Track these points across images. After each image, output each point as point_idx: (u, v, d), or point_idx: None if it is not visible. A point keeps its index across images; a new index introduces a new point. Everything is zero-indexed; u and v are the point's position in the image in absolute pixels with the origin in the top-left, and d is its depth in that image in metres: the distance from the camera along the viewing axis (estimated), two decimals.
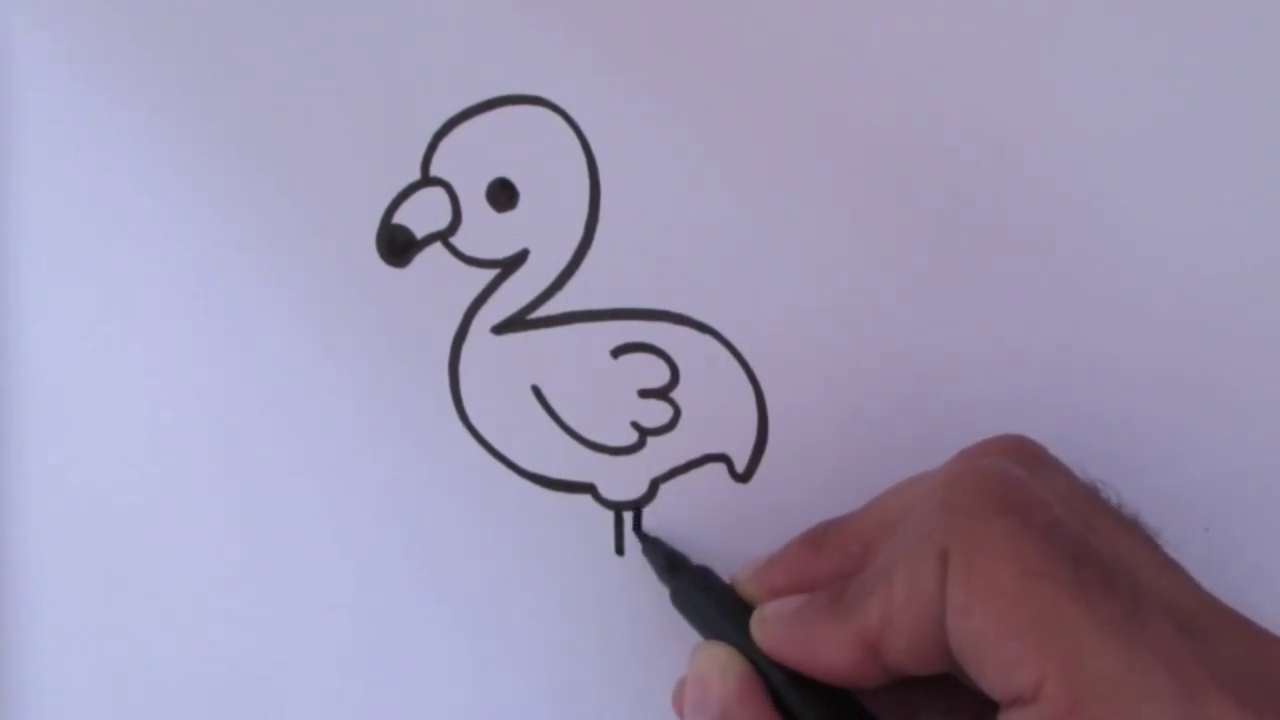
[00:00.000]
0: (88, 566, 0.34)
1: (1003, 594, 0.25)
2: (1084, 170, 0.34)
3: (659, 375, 0.34)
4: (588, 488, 0.34)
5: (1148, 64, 0.34)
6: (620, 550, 0.34)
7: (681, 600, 0.32)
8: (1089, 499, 0.28)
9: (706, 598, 0.31)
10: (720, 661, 0.29)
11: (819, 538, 0.31)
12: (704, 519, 0.34)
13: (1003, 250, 0.34)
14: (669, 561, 0.32)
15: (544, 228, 0.34)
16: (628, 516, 0.34)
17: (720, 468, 0.34)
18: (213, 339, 0.34)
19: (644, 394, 0.34)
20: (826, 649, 0.28)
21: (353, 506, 0.34)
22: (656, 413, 0.34)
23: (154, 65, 0.34)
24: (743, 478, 0.34)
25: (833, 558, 0.30)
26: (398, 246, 0.34)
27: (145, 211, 0.34)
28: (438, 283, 0.34)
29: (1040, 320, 0.34)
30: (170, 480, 0.34)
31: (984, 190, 0.34)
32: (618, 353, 0.34)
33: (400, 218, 0.34)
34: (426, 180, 0.34)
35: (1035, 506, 0.26)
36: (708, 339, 0.34)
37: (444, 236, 0.34)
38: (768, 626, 0.29)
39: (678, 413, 0.34)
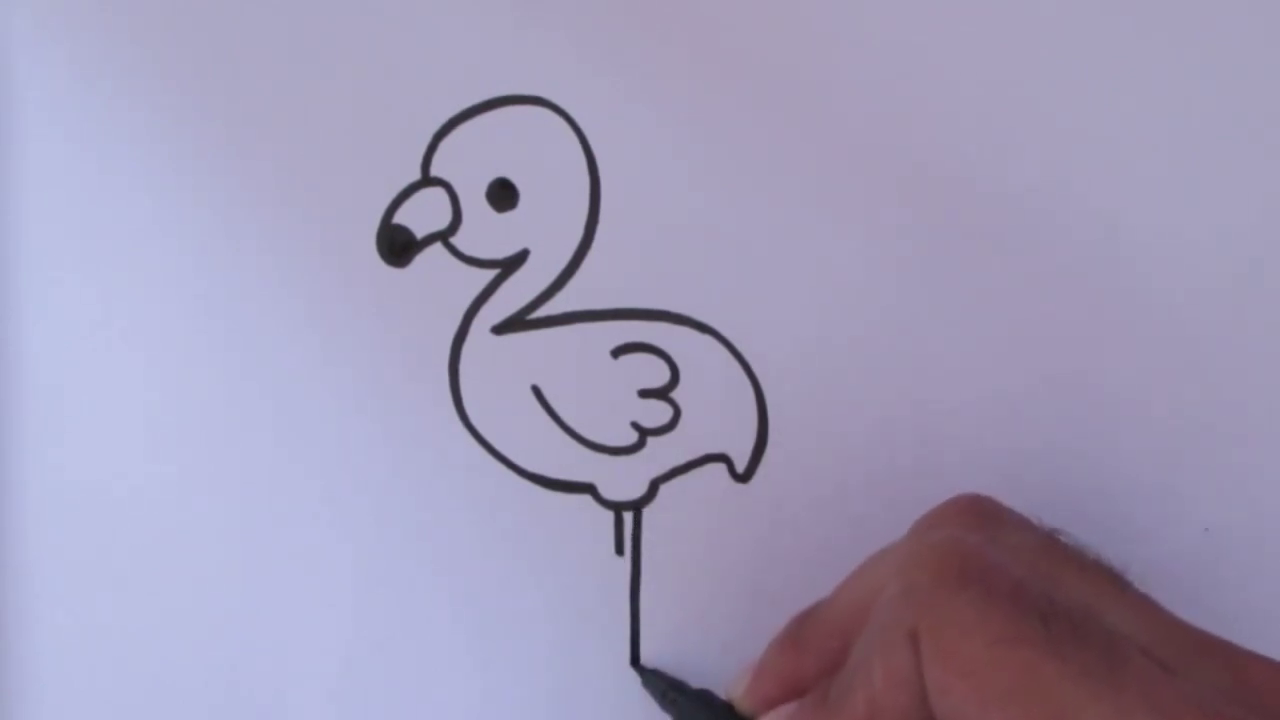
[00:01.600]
0: (87, 566, 0.34)
1: (977, 665, 0.24)
2: (1085, 171, 0.34)
3: (659, 375, 0.34)
4: (588, 488, 0.34)
5: (1150, 66, 0.34)
6: (620, 550, 0.34)
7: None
8: (1049, 550, 0.28)
9: (710, 718, 0.31)
10: None
11: (797, 636, 0.30)
12: (704, 519, 0.34)
13: (1003, 250, 0.34)
14: (669, 689, 0.32)
15: (544, 228, 0.34)
16: (628, 517, 0.34)
17: (720, 468, 0.34)
18: (212, 339, 0.34)
19: (644, 394, 0.34)
20: None
21: (353, 506, 0.34)
22: (656, 413, 0.34)
23: (154, 65, 0.34)
24: (743, 478, 0.34)
25: (814, 657, 0.30)
26: (398, 246, 0.34)
27: (145, 211, 0.34)
28: (438, 283, 0.34)
29: (1040, 320, 0.34)
30: (170, 480, 0.34)
31: (985, 191, 0.34)
32: (618, 353, 0.34)
33: (400, 218, 0.34)
34: (426, 180, 0.34)
35: (996, 572, 0.26)
36: (708, 339, 0.34)
37: (444, 236, 0.34)
38: None
39: (678, 413, 0.34)
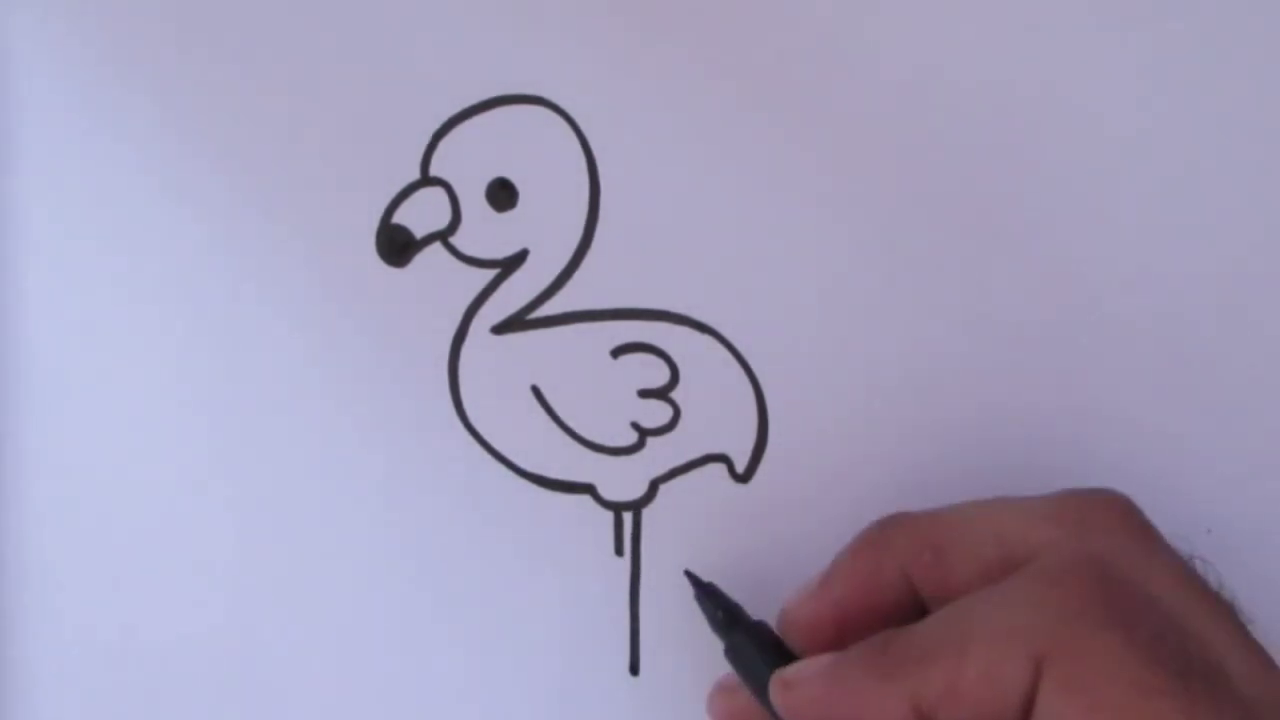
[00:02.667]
0: (87, 566, 0.34)
1: (1110, 709, 0.24)
2: (1086, 170, 0.34)
3: (659, 375, 0.34)
4: (587, 488, 0.34)
5: (1149, 66, 0.34)
6: (620, 551, 0.34)
7: (736, 656, 0.31)
8: (1189, 586, 0.27)
9: (762, 655, 0.30)
10: None
11: (878, 538, 0.29)
12: (704, 519, 0.34)
13: (1004, 251, 0.34)
14: (727, 615, 0.31)
15: (544, 228, 0.34)
16: (627, 517, 0.34)
17: (720, 468, 0.34)
18: (212, 338, 0.34)
19: (644, 394, 0.34)
20: (870, 712, 0.26)
21: (352, 506, 0.34)
22: (656, 413, 0.34)
23: (154, 65, 0.34)
24: (743, 478, 0.34)
25: (899, 555, 0.28)
26: (397, 246, 0.34)
27: (144, 210, 0.34)
28: (437, 283, 0.34)
29: (1041, 321, 0.34)
30: (170, 480, 0.34)
31: (985, 191, 0.34)
32: (617, 353, 0.34)
33: (400, 217, 0.34)
34: (426, 180, 0.34)
35: (1142, 614, 0.25)
36: (708, 339, 0.34)
37: (443, 236, 0.34)
38: (795, 693, 0.27)
39: (678, 413, 0.34)
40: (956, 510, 0.29)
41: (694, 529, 0.34)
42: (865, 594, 0.29)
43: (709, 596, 0.32)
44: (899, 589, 0.28)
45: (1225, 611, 0.26)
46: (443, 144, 0.34)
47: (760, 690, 0.29)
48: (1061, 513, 0.28)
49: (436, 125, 0.34)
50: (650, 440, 0.34)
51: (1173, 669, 0.24)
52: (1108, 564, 0.26)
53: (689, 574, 0.33)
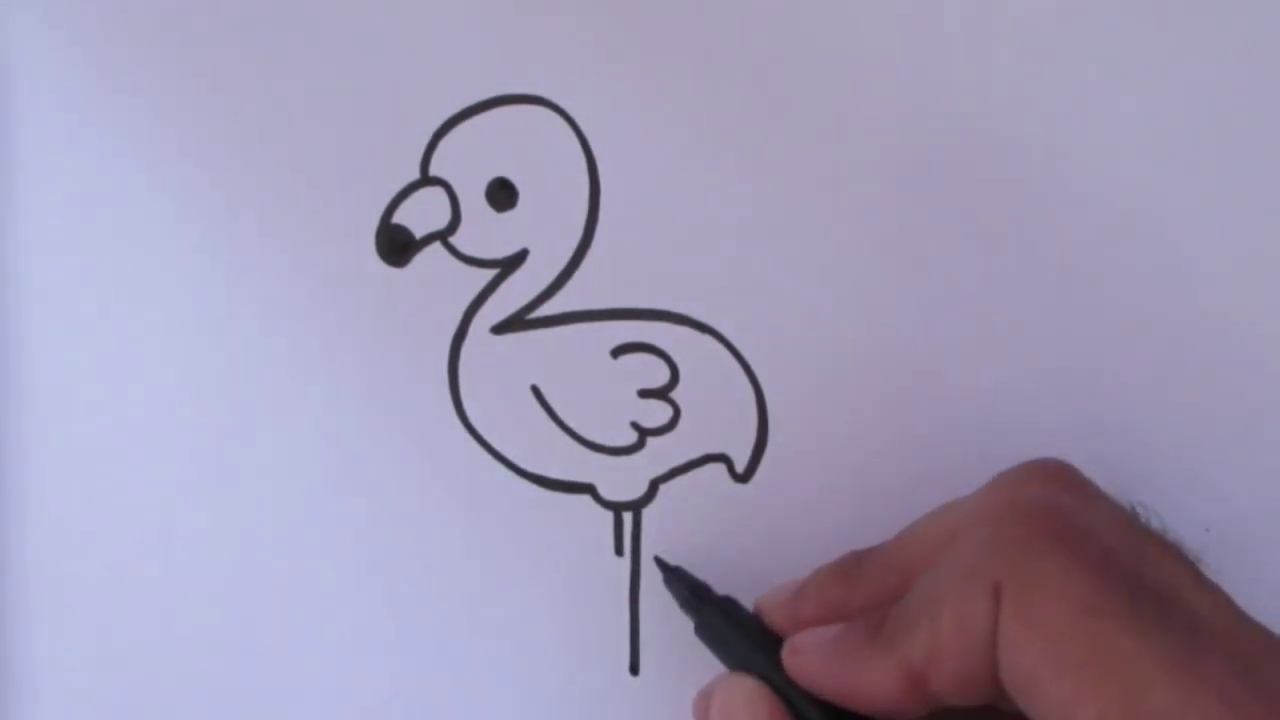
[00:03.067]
0: (87, 567, 0.34)
1: (1059, 630, 0.24)
2: (1086, 171, 0.34)
3: (659, 375, 0.34)
4: (587, 488, 0.34)
5: (1154, 66, 0.34)
6: (620, 551, 0.34)
7: (706, 631, 0.31)
8: (1134, 526, 0.28)
9: (732, 629, 0.31)
10: (747, 695, 0.29)
11: (851, 568, 0.30)
12: (704, 519, 0.34)
13: (1003, 251, 0.34)
14: (692, 592, 0.32)
15: (544, 228, 0.34)
16: (628, 517, 0.34)
17: (720, 468, 0.34)
18: (212, 338, 0.34)
19: (644, 394, 0.34)
20: (868, 680, 0.27)
21: (352, 506, 0.34)
22: (656, 413, 0.34)
23: (154, 65, 0.34)
24: (743, 478, 0.34)
25: (867, 588, 0.29)
26: (397, 246, 0.34)
27: (145, 211, 0.34)
28: (437, 283, 0.34)
29: (1040, 321, 0.34)
30: (169, 480, 0.34)
31: (985, 191, 0.34)
32: (617, 353, 0.34)
33: (399, 217, 0.34)
34: (426, 180, 0.34)
35: (1088, 538, 0.26)
36: (708, 339, 0.34)
37: (443, 236, 0.34)
38: (803, 657, 0.29)
39: (678, 413, 0.34)
40: (914, 526, 0.30)
41: (694, 529, 0.34)
42: (833, 614, 0.30)
43: (676, 578, 0.32)
44: (869, 608, 0.29)
45: (1173, 549, 0.27)
46: (443, 144, 0.34)
47: (730, 659, 0.30)
48: (1000, 481, 0.29)
49: (436, 125, 0.34)
50: (650, 440, 0.34)
51: (1122, 589, 0.25)
52: (1052, 500, 0.27)
53: (657, 560, 0.33)
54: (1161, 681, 0.23)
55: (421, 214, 0.34)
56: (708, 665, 0.32)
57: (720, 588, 0.32)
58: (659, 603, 0.33)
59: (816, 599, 0.30)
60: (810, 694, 0.28)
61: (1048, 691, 0.24)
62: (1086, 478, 0.29)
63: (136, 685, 0.34)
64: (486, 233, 0.34)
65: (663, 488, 0.34)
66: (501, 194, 0.34)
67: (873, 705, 0.27)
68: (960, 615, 0.26)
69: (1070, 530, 0.26)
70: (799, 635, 0.29)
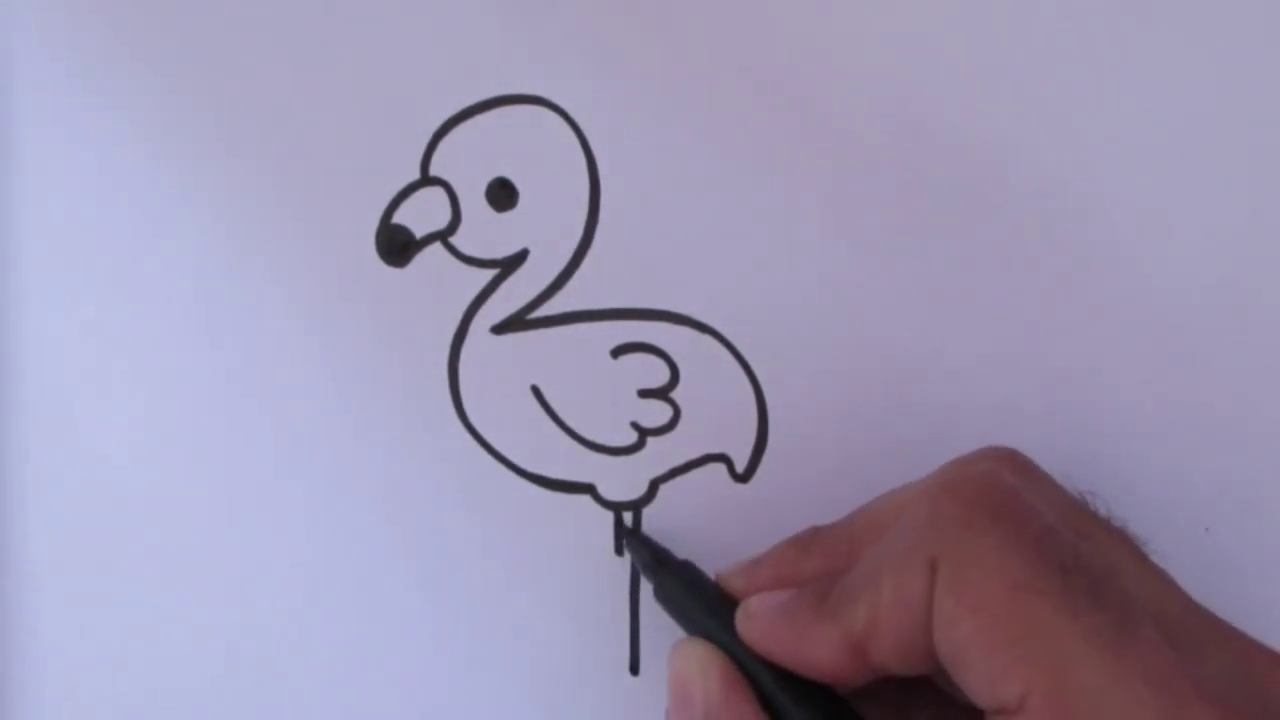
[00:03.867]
0: (87, 566, 0.34)
1: (990, 606, 0.25)
2: (1085, 173, 0.34)
3: (659, 375, 0.34)
4: (587, 488, 0.34)
5: (1148, 69, 0.34)
6: (620, 551, 0.34)
7: (665, 596, 0.32)
8: (1078, 508, 0.28)
9: (690, 593, 0.31)
10: (700, 659, 0.29)
11: (807, 540, 0.31)
12: (704, 519, 0.34)
13: (1003, 252, 0.34)
14: (653, 557, 0.32)
15: (544, 228, 0.34)
16: (628, 517, 0.34)
17: (720, 468, 0.34)
18: (212, 339, 0.34)
19: (644, 394, 0.34)
20: (812, 646, 0.28)
21: (352, 506, 0.34)
22: (656, 413, 0.34)
23: (154, 66, 0.34)
24: (743, 478, 0.34)
25: (819, 557, 0.30)
26: (397, 246, 0.34)
27: (145, 211, 0.34)
28: (437, 283, 0.34)
29: (1040, 321, 0.34)
30: (169, 480, 0.34)
31: (984, 193, 0.34)
32: (617, 353, 0.34)
33: (400, 217, 0.34)
34: (426, 180, 0.34)
35: (1028, 516, 0.26)
36: (708, 339, 0.34)
37: (443, 236, 0.34)
38: (753, 622, 0.29)
39: (678, 413, 0.34)
40: (868, 504, 0.30)
41: (694, 529, 0.34)
42: (787, 581, 0.30)
43: (638, 542, 0.33)
44: (820, 576, 0.30)
45: (1118, 533, 0.28)
46: (443, 144, 0.34)
47: (687, 624, 0.31)
48: (950, 463, 0.29)
49: (436, 125, 0.34)
50: (650, 440, 0.34)
51: (1054, 566, 0.25)
52: (995, 477, 0.27)
53: (618, 522, 0.33)
54: (1090, 660, 0.24)
55: (421, 214, 0.34)
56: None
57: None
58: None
59: (772, 566, 0.31)
60: (762, 659, 0.29)
61: (978, 666, 0.25)
62: (1034, 463, 0.29)
63: (136, 685, 0.34)
64: (486, 233, 0.34)
65: (663, 488, 0.34)
66: (501, 194, 0.34)
67: (818, 671, 0.28)
68: (898, 588, 0.26)
69: (1009, 508, 0.26)
70: (752, 599, 0.30)
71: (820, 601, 0.28)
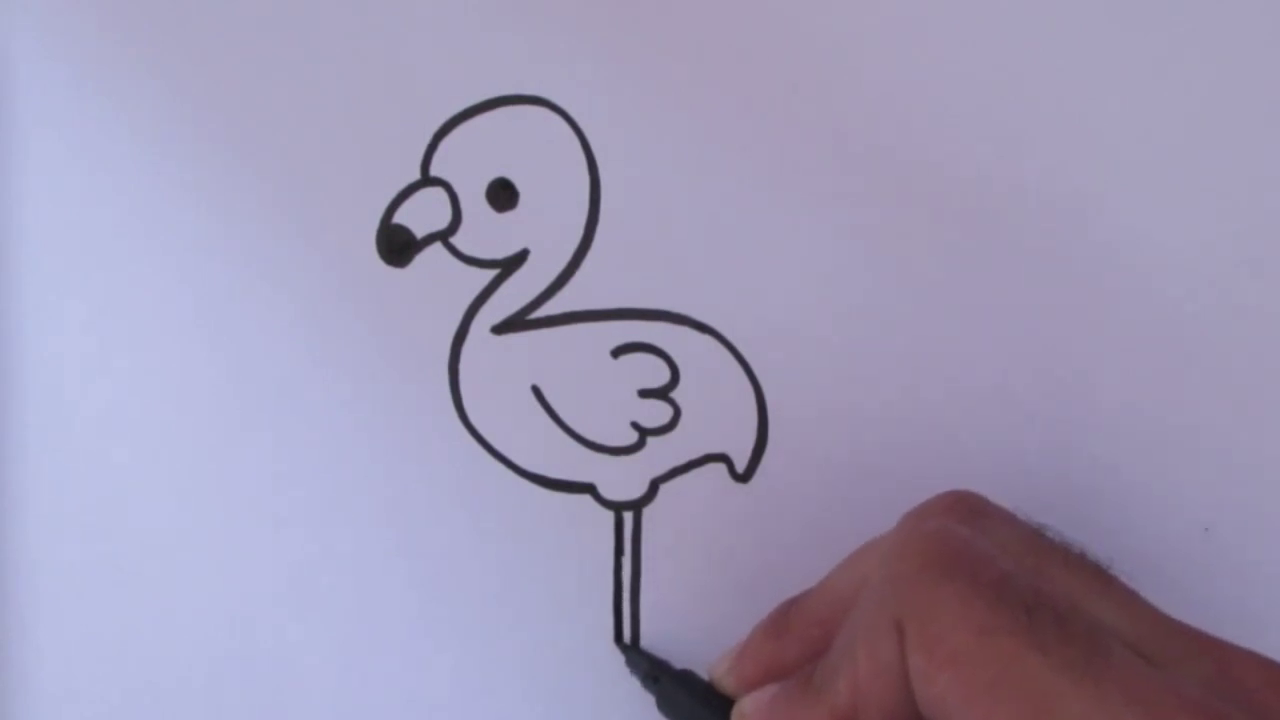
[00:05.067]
0: (87, 567, 0.34)
1: (961, 656, 0.25)
2: (1085, 172, 0.34)
3: (659, 375, 0.34)
4: (588, 488, 0.34)
5: (1148, 70, 0.34)
6: (620, 550, 0.34)
7: (667, 705, 0.32)
8: (1035, 544, 0.28)
9: (691, 699, 0.32)
10: None
11: (781, 623, 0.31)
12: (704, 519, 0.34)
13: (1002, 251, 0.34)
14: (651, 669, 0.33)
15: (544, 228, 0.34)
16: (628, 517, 0.34)
17: (720, 468, 0.34)
18: (212, 339, 0.34)
19: (644, 394, 0.34)
20: None
21: (352, 506, 0.34)
22: (656, 413, 0.34)
23: (154, 66, 0.34)
24: (743, 478, 0.34)
25: (797, 643, 0.30)
26: (397, 246, 0.34)
27: (145, 211, 0.34)
28: (437, 283, 0.34)
29: (1039, 321, 0.34)
30: (169, 480, 0.34)
31: (984, 192, 0.34)
32: (618, 353, 0.34)
33: (400, 217, 0.34)
34: (426, 180, 0.34)
35: (982, 563, 0.26)
36: (708, 339, 0.34)
37: (444, 236, 0.34)
38: None
39: (678, 413, 0.34)
40: (831, 576, 0.30)
41: (694, 529, 0.34)
42: (773, 671, 0.30)
43: (637, 656, 0.33)
44: (805, 658, 0.30)
45: (1077, 560, 0.28)
46: (443, 144, 0.34)
47: None
48: (899, 527, 0.29)
49: (437, 125, 0.34)
50: (650, 440, 0.34)
51: (1019, 608, 0.25)
52: (944, 531, 0.27)
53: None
54: (1069, 692, 0.24)
55: (422, 214, 0.34)
56: (708, 665, 0.32)
57: (719, 590, 0.32)
58: (659, 603, 0.34)
59: (754, 660, 0.31)
60: None
61: (962, 716, 0.25)
62: (987, 502, 0.29)
63: (136, 684, 0.34)
64: (487, 233, 0.34)
65: (663, 488, 0.34)
66: (502, 194, 0.34)
67: None
68: (872, 656, 0.26)
69: (963, 557, 0.26)
70: (741, 701, 0.30)
71: (805, 688, 0.28)
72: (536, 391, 0.34)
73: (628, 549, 0.34)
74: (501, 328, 0.34)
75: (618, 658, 0.34)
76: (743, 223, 0.34)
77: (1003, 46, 0.34)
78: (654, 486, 0.34)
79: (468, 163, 0.34)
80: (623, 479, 0.34)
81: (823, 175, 0.34)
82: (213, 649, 0.34)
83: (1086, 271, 0.34)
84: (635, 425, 0.34)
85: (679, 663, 0.33)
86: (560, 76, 0.34)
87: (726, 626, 0.33)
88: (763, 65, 0.34)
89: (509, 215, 0.34)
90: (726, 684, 0.31)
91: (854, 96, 0.34)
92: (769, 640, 0.31)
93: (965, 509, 0.29)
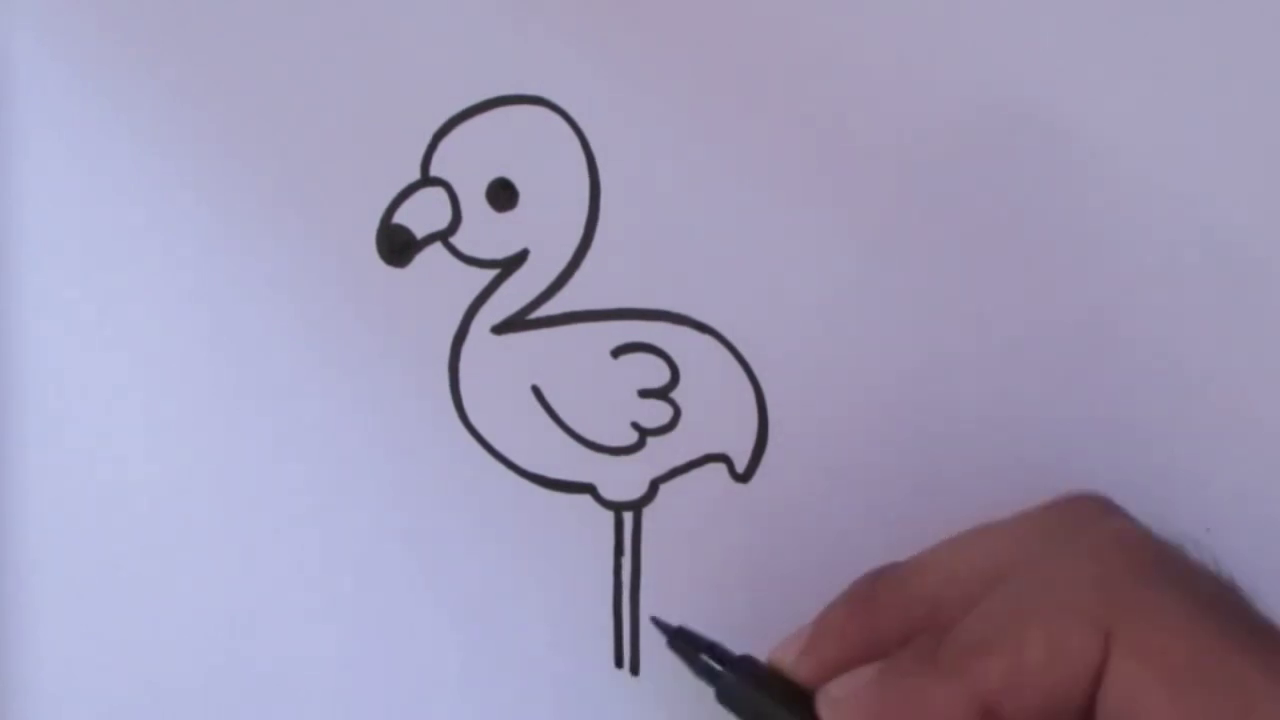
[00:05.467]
0: (87, 567, 0.34)
1: (1184, 670, 0.23)
2: (1085, 172, 0.34)
3: (659, 375, 0.34)
4: (588, 488, 0.34)
5: (1148, 70, 0.34)
6: (620, 550, 0.34)
7: (729, 698, 0.29)
8: (1201, 562, 0.27)
9: (758, 692, 0.28)
10: None
11: (870, 597, 0.28)
12: (704, 519, 0.34)
13: (1003, 251, 0.34)
14: (709, 654, 0.30)
15: (544, 228, 0.34)
16: (628, 517, 0.34)
17: (720, 468, 0.34)
18: (212, 339, 0.34)
19: (644, 394, 0.34)
20: (931, 713, 0.25)
21: (352, 507, 0.34)
22: (656, 413, 0.34)
23: (154, 66, 0.34)
24: (743, 478, 0.34)
25: (893, 620, 0.27)
26: (397, 246, 0.34)
27: (145, 212, 0.34)
28: (437, 283, 0.34)
29: (1040, 320, 0.34)
30: (169, 480, 0.34)
31: (985, 191, 0.34)
32: (618, 353, 0.34)
33: (400, 217, 0.34)
34: (426, 180, 0.34)
35: (1196, 575, 0.25)
36: (708, 339, 0.34)
37: (444, 236, 0.34)
38: (847, 704, 0.26)
39: (678, 413, 0.34)
40: (939, 552, 0.28)
41: (694, 529, 0.34)
42: (860, 652, 0.27)
43: (684, 640, 0.31)
44: (896, 645, 0.27)
45: (1225, 578, 0.27)
46: (443, 144, 0.34)
47: None
48: (1046, 519, 0.28)
49: (437, 125, 0.34)
50: (650, 440, 0.34)
51: (1242, 626, 0.24)
52: (1147, 534, 0.26)
53: (656, 620, 0.32)
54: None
55: (422, 214, 0.34)
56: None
57: (719, 590, 0.32)
58: (659, 603, 0.33)
59: (839, 640, 0.27)
60: None
61: None
62: (1128, 513, 0.28)
63: (137, 683, 0.34)
64: (487, 233, 0.34)
65: (663, 488, 0.34)
66: (502, 194, 0.34)
67: None
68: (1055, 647, 0.24)
69: (1178, 567, 0.25)
70: (832, 684, 0.27)
71: (930, 663, 0.25)
72: (536, 391, 0.34)
73: (628, 549, 0.34)
74: (501, 328, 0.34)
75: (618, 657, 0.34)
76: (743, 223, 0.34)
77: (1003, 46, 0.34)
78: (654, 486, 0.34)
79: (468, 163, 0.34)
80: (623, 479, 0.34)
81: (823, 175, 0.34)
82: (212, 649, 0.34)
83: (1087, 273, 0.34)
84: (635, 425, 0.34)
85: (680, 663, 0.33)
86: (560, 76, 0.34)
87: (727, 627, 0.33)
88: (762, 65, 0.34)
89: (509, 215, 0.34)
90: (802, 669, 0.28)
91: (854, 96, 0.34)
92: (854, 615, 0.28)
93: (1124, 514, 0.27)
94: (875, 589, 0.28)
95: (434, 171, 0.34)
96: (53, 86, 0.34)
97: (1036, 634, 0.24)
